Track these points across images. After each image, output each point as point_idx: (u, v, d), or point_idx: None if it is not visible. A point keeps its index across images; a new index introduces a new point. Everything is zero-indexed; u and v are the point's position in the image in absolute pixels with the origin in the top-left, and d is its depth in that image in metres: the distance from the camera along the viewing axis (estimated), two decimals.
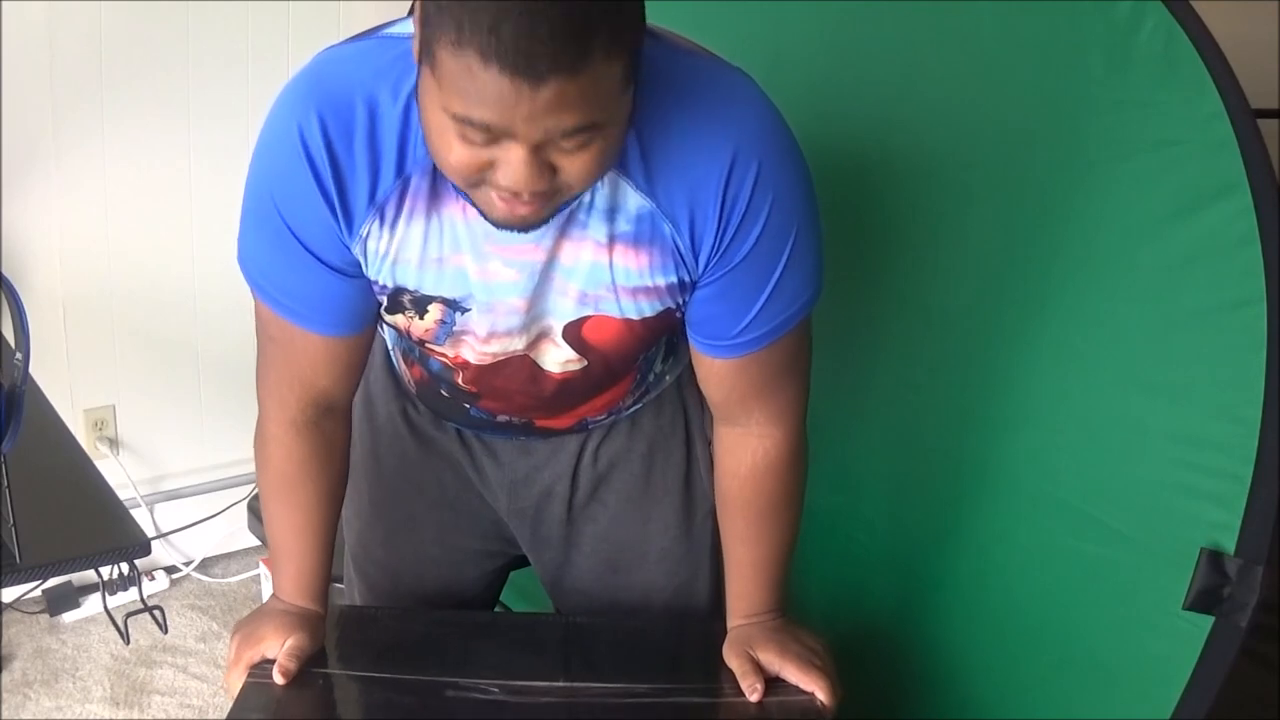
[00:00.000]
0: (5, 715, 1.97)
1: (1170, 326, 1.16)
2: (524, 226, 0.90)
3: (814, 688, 1.12)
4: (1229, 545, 1.09)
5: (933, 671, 1.44)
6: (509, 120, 0.79)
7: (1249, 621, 1.08)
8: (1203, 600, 1.10)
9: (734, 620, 1.20)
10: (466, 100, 0.79)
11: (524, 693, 1.12)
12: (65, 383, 2.21)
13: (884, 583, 1.51)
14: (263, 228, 1.01)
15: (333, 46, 0.99)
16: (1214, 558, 1.10)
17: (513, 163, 0.82)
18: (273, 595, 1.20)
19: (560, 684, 1.14)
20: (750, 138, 0.95)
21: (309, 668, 1.13)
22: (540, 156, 0.83)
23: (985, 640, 1.37)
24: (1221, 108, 1.10)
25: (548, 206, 0.89)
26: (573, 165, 0.85)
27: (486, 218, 0.91)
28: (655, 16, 0.87)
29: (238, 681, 1.13)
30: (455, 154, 0.84)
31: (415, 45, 0.84)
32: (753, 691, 1.12)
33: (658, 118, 0.94)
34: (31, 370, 1.19)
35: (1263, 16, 2.43)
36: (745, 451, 1.14)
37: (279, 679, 1.10)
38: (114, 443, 2.32)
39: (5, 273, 1.33)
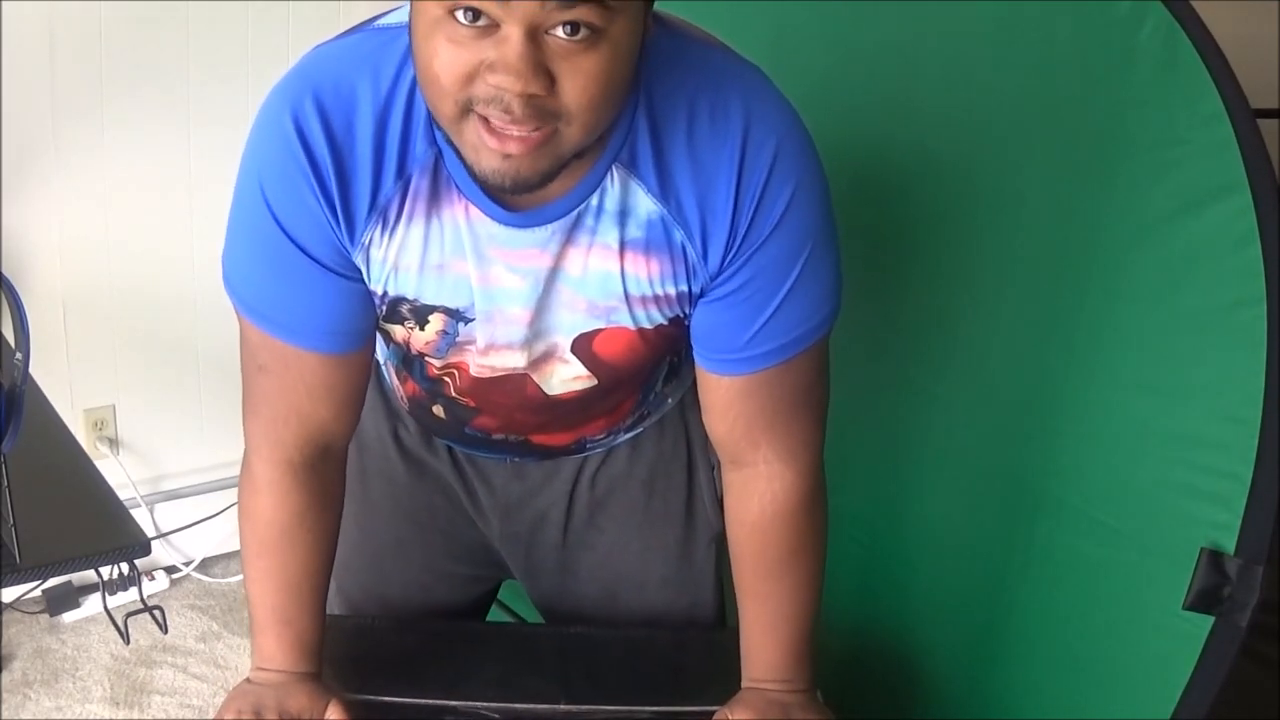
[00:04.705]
0: (5, 715, 1.96)
1: (1170, 327, 1.16)
2: (516, 179, 0.81)
3: None
4: (1229, 545, 1.09)
5: (933, 671, 1.44)
6: None
7: (1249, 621, 1.08)
8: (1203, 600, 1.10)
9: (744, 682, 1.11)
10: None
11: (524, 716, 1.08)
12: (65, 383, 2.20)
13: (884, 583, 1.51)
14: (254, 235, 0.95)
15: (321, 44, 0.93)
16: (1214, 558, 1.09)
17: (506, 51, 0.75)
18: (257, 668, 1.05)
19: (561, 706, 1.10)
20: (766, 123, 0.90)
21: None
22: (536, 48, 0.76)
23: (985, 640, 1.37)
24: (1221, 108, 1.09)
25: (542, 151, 0.80)
26: (572, 76, 0.77)
27: (476, 173, 0.83)
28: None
29: None
30: (441, 58, 0.77)
31: None
32: None
33: (672, 113, 0.89)
34: (31, 370, 1.19)
35: (1263, 16, 2.43)
36: (754, 495, 1.05)
37: None
38: (114, 443, 2.31)
39: (5, 272, 1.33)
